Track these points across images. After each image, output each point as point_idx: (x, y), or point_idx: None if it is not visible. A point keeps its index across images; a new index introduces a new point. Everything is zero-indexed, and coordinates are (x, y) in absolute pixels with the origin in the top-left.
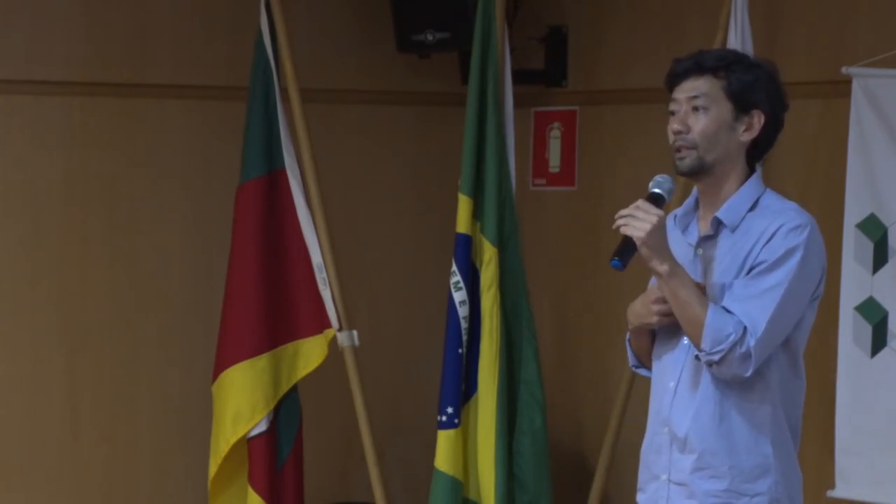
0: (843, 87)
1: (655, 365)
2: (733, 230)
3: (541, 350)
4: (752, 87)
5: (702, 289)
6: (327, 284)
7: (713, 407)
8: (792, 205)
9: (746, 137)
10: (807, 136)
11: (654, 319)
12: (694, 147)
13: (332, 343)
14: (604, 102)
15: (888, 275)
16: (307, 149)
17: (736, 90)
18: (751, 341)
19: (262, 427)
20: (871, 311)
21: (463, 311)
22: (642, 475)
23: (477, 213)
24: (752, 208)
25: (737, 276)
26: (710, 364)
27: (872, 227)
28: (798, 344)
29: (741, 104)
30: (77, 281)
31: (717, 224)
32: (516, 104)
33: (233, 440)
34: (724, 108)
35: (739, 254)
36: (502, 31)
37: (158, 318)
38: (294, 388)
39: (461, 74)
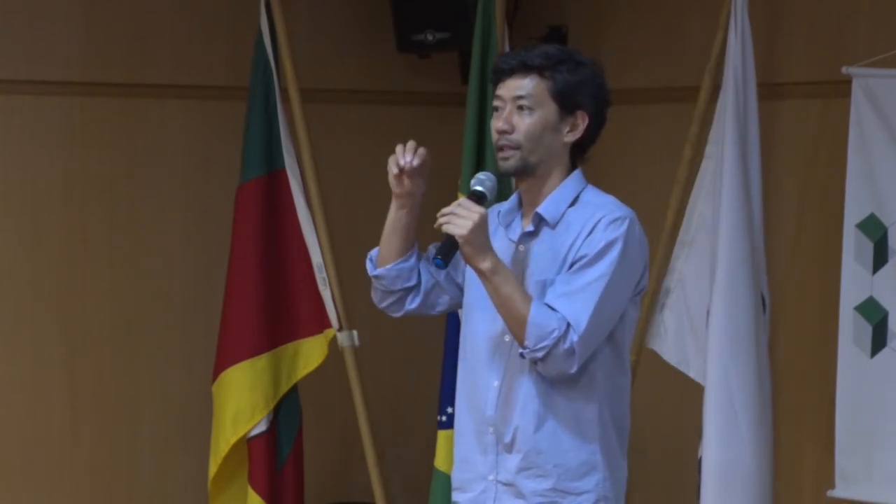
0: (843, 87)
1: (472, 361)
2: (554, 226)
3: None
4: (578, 88)
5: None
6: (327, 284)
7: (538, 405)
8: (611, 198)
9: (570, 138)
10: (807, 136)
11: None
12: (518, 148)
13: (332, 343)
14: None
15: (888, 275)
16: (307, 149)
17: (562, 91)
18: (574, 337)
19: (262, 427)
20: (871, 311)
21: None
22: (464, 474)
23: None
24: (572, 203)
25: (558, 271)
26: (534, 361)
27: (872, 227)
28: (622, 338)
29: (566, 105)
30: (77, 281)
31: (538, 220)
32: None
33: (233, 440)
34: (549, 109)
35: (560, 249)
36: (502, 31)
37: (158, 318)
38: (294, 388)
39: (461, 74)
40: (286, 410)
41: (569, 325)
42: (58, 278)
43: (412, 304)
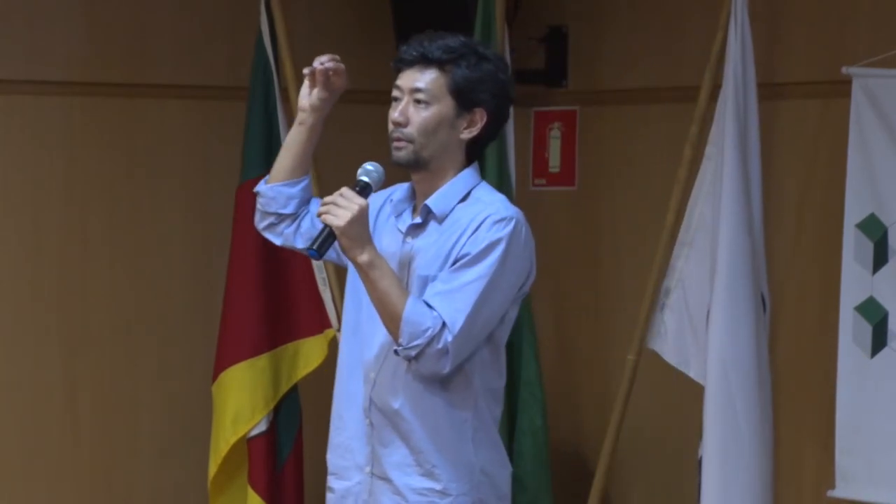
0: (843, 87)
1: (352, 348)
2: (441, 221)
3: (541, 350)
4: (478, 85)
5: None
6: (327, 284)
7: (416, 403)
8: (501, 197)
9: (467, 135)
10: (807, 136)
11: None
12: (411, 141)
13: (332, 343)
14: (604, 102)
15: (888, 275)
16: None
17: (460, 87)
18: (448, 337)
19: (262, 427)
20: (871, 310)
21: None
22: (342, 461)
23: None
24: (463, 199)
25: (441, 267)
26: (407, 359)
27: (872, 227)
28: (501, 340)
29: (464, 102)
30: (77, 281)
31: (427, 212)
32: (516, 104)
33: (233, 440)
34: (447, 105)
35: (445, 245)
36: (502, 30)
37: (158, 318)
38: (294, 388)
39: None
40: (286, 410)
41: (444, 324)
42: (58, 278)
43: (293, 240)
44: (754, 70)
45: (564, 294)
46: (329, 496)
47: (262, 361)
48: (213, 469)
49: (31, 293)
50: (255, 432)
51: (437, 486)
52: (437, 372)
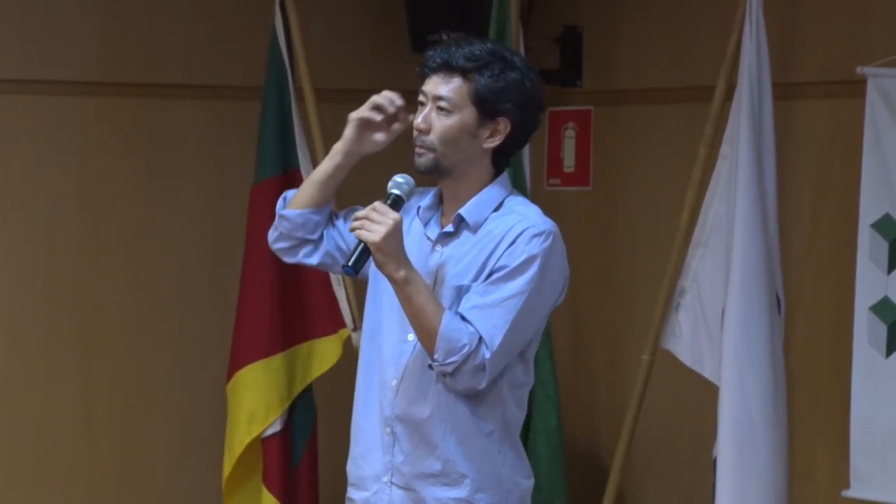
0: (857, 87)
1: (369, 352)
2: (475, 230)
3: (555, 350)
4: (501, 94)
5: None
6: (341, 284)
7: (446, 413)
8: (536, 209)
9: (490, 144)
10: (822, 137)
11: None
12: (432, 149)
13: (347, 343)
14: (619, 102)
15: None
16: (321, 149)
17: (483, 97)
18: (486, 353)
19: (277, 427)
20: (886, 311)
21: None
22: (361, 471)
23: None
24: (497, 209)
25: (475, 278)
26: (443, 374)
27: (887, 227)
28: (532, 351)
29: (487, 111)
30: (92, 281)
31: (460, 221)
32: None
33: (247, 440)
34: (469, 114)
35: (480, 255)
36: (517, 30)
37: (173, 318)
38: (308, 388)
39: None
40: (301, 410)
41: (481, 339)
42: (73, 278)
43: (309, 258)
44: (769, 70)
45: (579, 294)
46: None
47: (276, 361)
48: (227, 469)
49: (46, 293)
50: (269, 432)
51: (465, 496)
52: (473, 387)
